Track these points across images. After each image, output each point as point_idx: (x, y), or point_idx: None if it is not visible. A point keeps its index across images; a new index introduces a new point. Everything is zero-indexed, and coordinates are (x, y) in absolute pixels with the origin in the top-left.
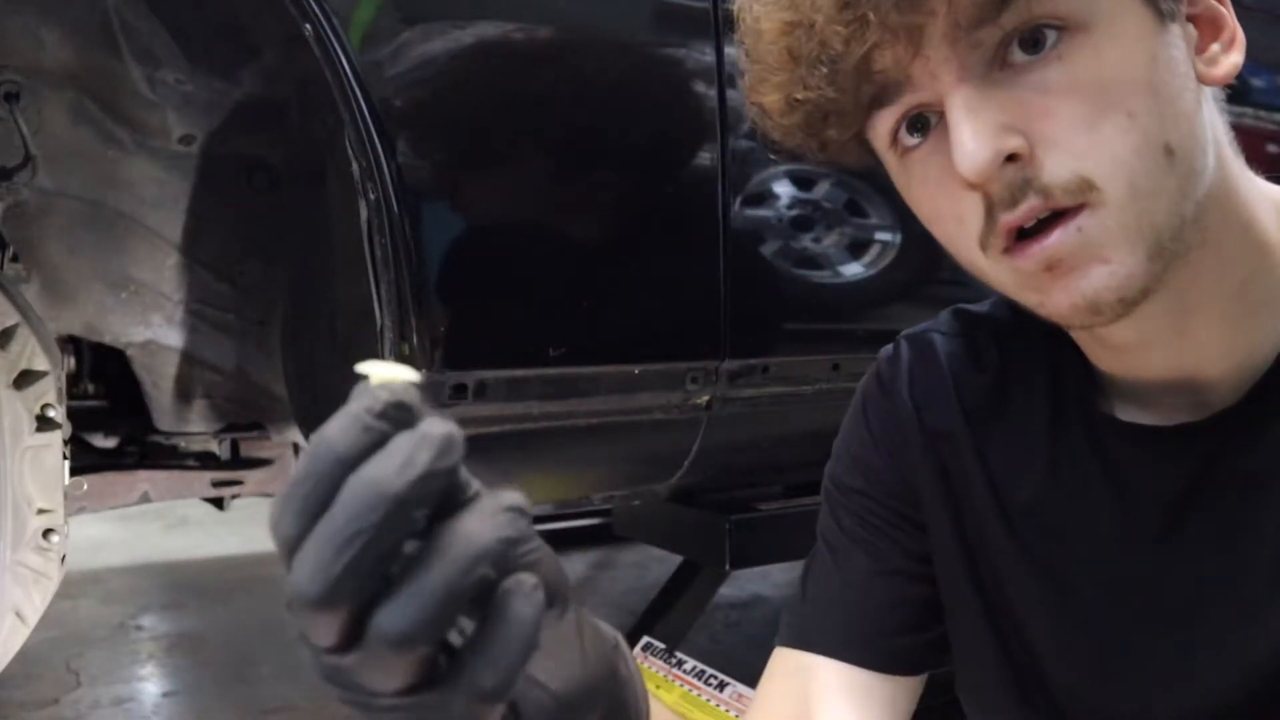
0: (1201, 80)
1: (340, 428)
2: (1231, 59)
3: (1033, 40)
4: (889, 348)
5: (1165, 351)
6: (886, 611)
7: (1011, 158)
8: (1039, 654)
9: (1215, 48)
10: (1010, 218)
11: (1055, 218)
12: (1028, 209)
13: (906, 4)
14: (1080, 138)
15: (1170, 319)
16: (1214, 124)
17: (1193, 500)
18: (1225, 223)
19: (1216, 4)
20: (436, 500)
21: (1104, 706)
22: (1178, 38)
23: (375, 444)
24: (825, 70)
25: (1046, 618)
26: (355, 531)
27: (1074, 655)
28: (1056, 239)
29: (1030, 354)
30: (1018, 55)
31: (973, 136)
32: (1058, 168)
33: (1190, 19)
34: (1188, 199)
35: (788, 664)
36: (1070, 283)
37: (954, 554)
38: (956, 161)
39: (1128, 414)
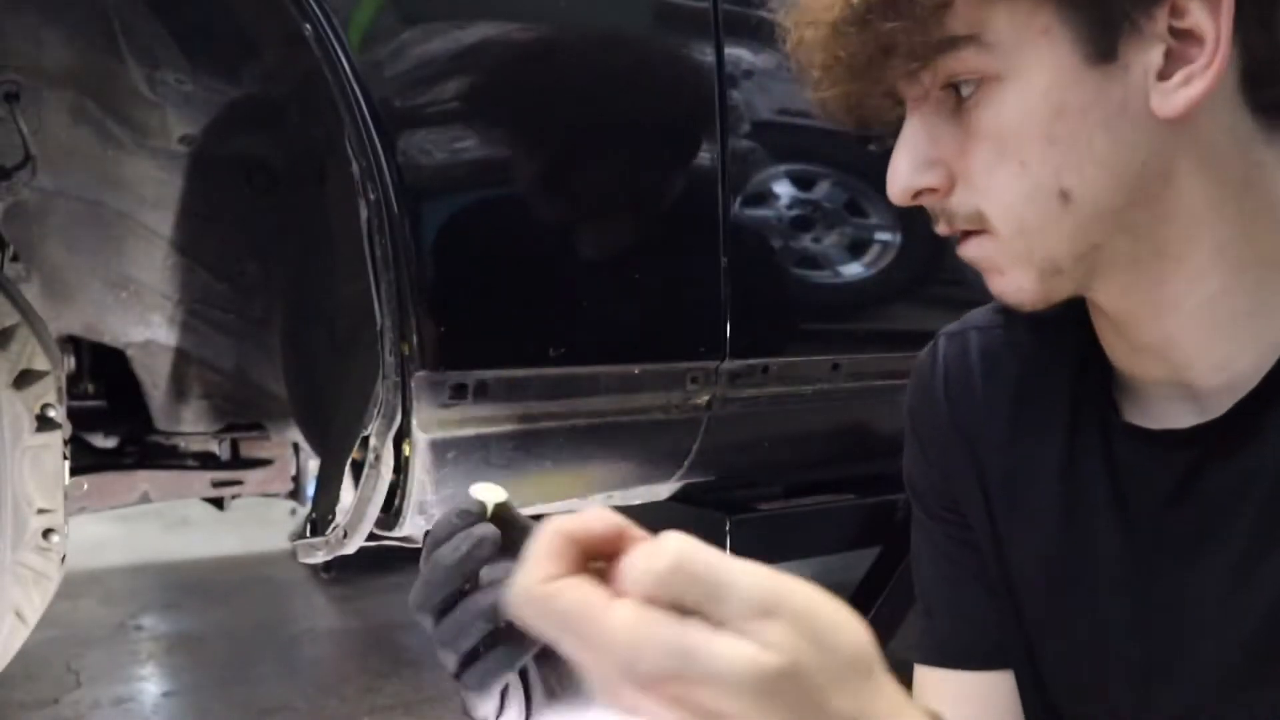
0: (1156, 113)
1: (439, 521)
2: (1187, 92)
3: (956, 90)
4: (928, 347)
5: (1151, 332)
6: (995, 606)
7: (931, 188)
8: (1039, 653)
9: (1176, 79)
10: (935, 228)
11: (967, 232)
12: (942, 229)
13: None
14: (982, 179)
15: (1148, 301)
16: (1183, 150)
17: (1180, 502)
18: (1190, 239)
19: (1208, 20)
20: (474, 568)
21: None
22: (1114, 77)
23: (452, 534)
24: (838, 72)
25: (1050, 611)
26: (427, 583)
27: (1068, 655)
28: (964, 249)
29: (1060, 349)
30: (958, 93)
31: (897, 170)
32: (961, 202)
33: (1173, 32)
34: (1092, 232)
35: (924, 680)
36: (987, 279)
37: (989, 546)
38: (887, 185)
39: (1138, 415)
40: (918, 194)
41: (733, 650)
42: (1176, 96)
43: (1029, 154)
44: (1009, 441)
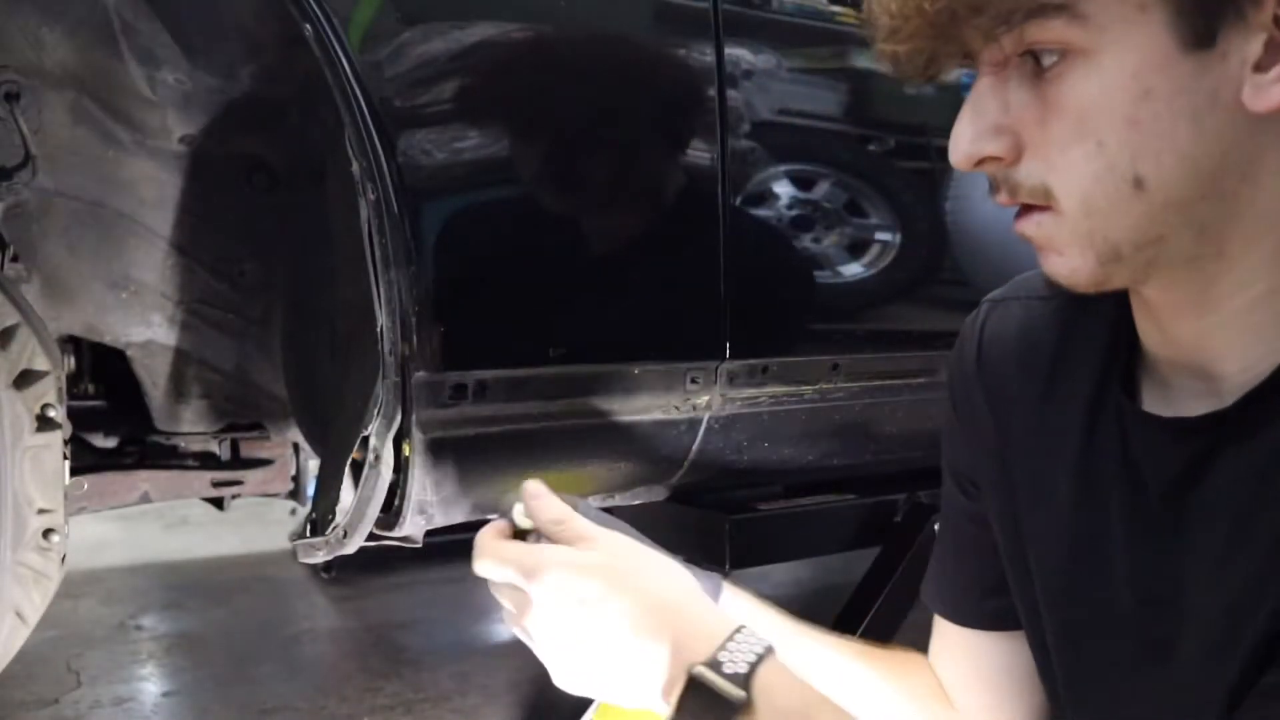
0: (1248, 106)
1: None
2: None
3: (1036, 58)
4: (973, 313)
5: (1189, 328)
6: (974, 575)
7: (996, 156)
8: (1049, 628)
9: (1275, 71)
10: (994, 197)
11: (1029, 206)
12: (1002, 199)
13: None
14: (1054, 153)
15: (1193, 299)
16: (1267, 147)
17: (1187, 490)
18: (1251, 240)
19: None
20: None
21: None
22: (1209, 65)
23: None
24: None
25: (1059, 591)
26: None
27: (1073, 633)
28: (1023, 225)
29: (1095, 328)
30: (1037, 61)
31: (961, 134)
32: (1028, 173)
33: (1279, 21)
34: (1160, 223)
35: (940, 629)
36: (1041, 257)
37: (1002, 513)
38: (950, 148)
39: (1159, 401)
40: (981, 161)
41: (562, 551)
42: (1273, 90)
43: (1108, 135)
44: (1035, 417)
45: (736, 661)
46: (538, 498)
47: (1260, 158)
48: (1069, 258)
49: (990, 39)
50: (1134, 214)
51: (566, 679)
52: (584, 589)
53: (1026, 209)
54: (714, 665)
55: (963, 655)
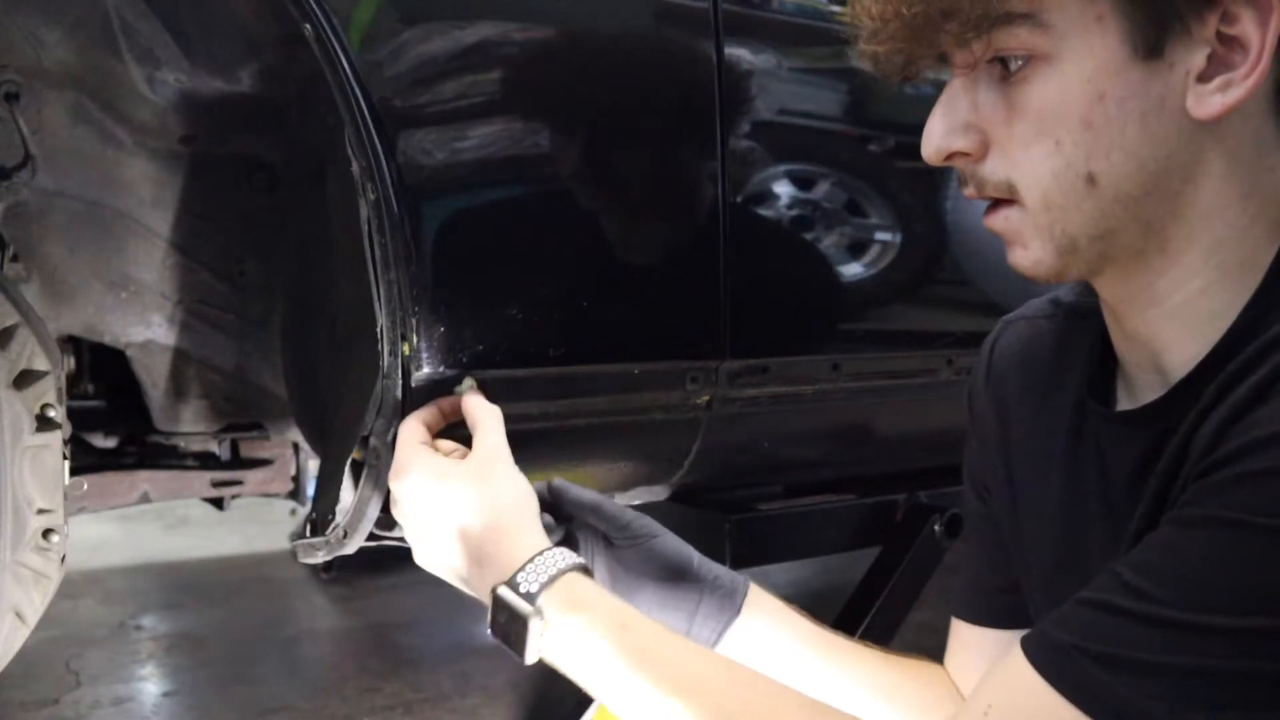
0: (1191, 113)
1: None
2: (1223, 98)
3: (1004, 63)
4: (990, 333)
5: (1137, 322)
6: (988, 574)
7: (964, 152)
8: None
9: (1215, 83)
10: (963, 190)
11: (998, 201)
12: (969, 192)
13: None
14: (1017, 151)
15: (1141, 293)
16: (1208, 150)
17: (1141, 482)
18: (1190, 237)
19: (1255, 29)
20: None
21: None
22: (1157, 73)
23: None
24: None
25: (1050, 588)
26: None
27: None
28: (992, 220)
29: (1083, 341)
30: (1005, 65)
31: (932, 130)
32: (994, 169)
33: (1220, 37)
34: (1111, 217)
35: (955, 629)
36: (1009, 250)
37: (1007, 514)
38: (922, 142)
39: (1124, 402)
40: (950, 156)
41: (431, 459)
42: (1212, 100)
43: (1064, 135)
44: (1033, 424)
45: (530, 582)
46: (471, 397)
47: (1200, 161)
48: (1031, 250)
49: (961, 44)
50: (1087, 208)
51: (422, 562)
52: (434, 498)
53: (995, 205)
54: (512, 585)
55: (979, 656)
